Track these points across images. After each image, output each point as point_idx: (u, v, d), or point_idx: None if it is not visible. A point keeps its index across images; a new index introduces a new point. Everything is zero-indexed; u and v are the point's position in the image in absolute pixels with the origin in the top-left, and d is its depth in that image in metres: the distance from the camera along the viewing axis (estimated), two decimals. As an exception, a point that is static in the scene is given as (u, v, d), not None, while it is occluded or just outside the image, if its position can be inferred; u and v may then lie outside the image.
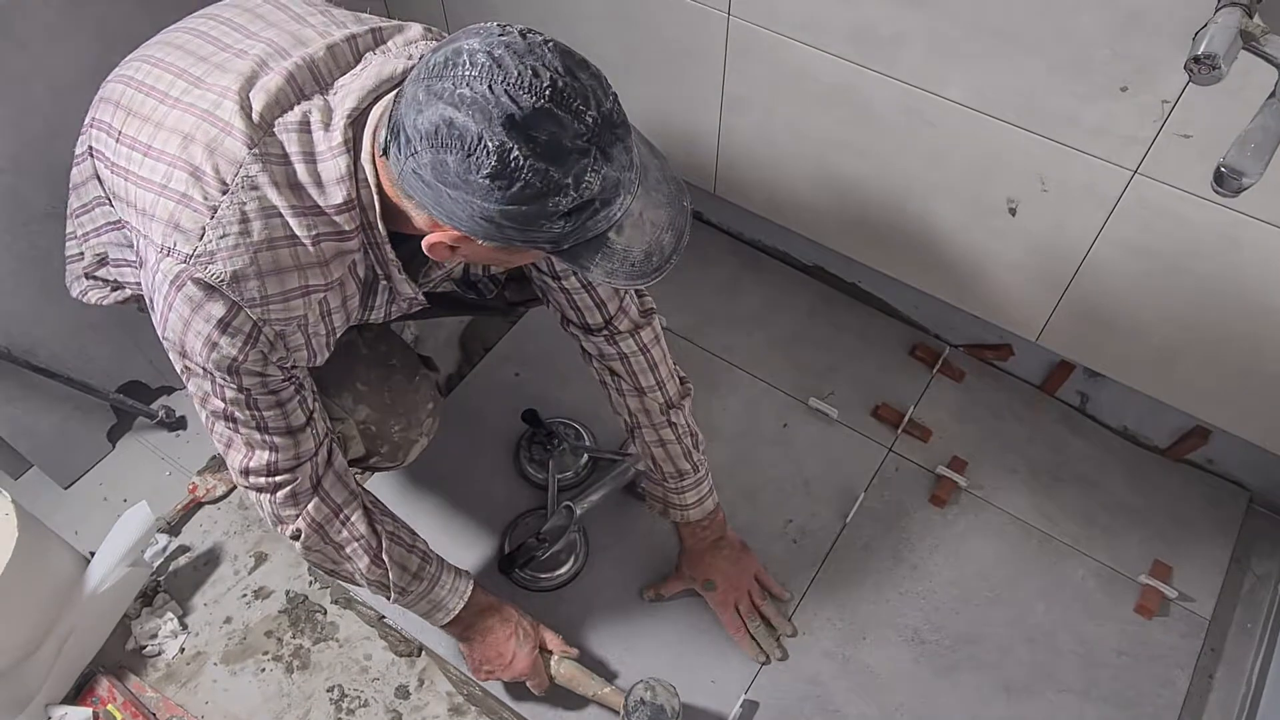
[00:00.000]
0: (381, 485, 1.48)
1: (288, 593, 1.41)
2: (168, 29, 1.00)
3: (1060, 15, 1.10)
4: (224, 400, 0.92)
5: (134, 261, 1.01)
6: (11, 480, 1.24)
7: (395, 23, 0.97)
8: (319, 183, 0.84)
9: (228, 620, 1.38)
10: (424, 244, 0.82)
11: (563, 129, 0.71)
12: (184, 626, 1.37)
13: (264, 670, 1.34)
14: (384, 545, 1.08)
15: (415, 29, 0.95)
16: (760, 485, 1.50)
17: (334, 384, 1.12)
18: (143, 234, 0.86)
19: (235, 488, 1.51)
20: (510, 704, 1.29)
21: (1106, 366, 1.46)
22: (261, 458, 0.97)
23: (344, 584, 1.16)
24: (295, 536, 1.03)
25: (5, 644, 1.18)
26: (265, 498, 1.00)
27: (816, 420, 1.58)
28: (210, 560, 1.44)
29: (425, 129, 0.72)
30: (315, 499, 1.01)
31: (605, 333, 1.17)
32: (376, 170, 0.84)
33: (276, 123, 0.84)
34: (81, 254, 1.10)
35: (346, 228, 0.86)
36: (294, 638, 1.36)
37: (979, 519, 1.47)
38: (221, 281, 0.82)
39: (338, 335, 0.98)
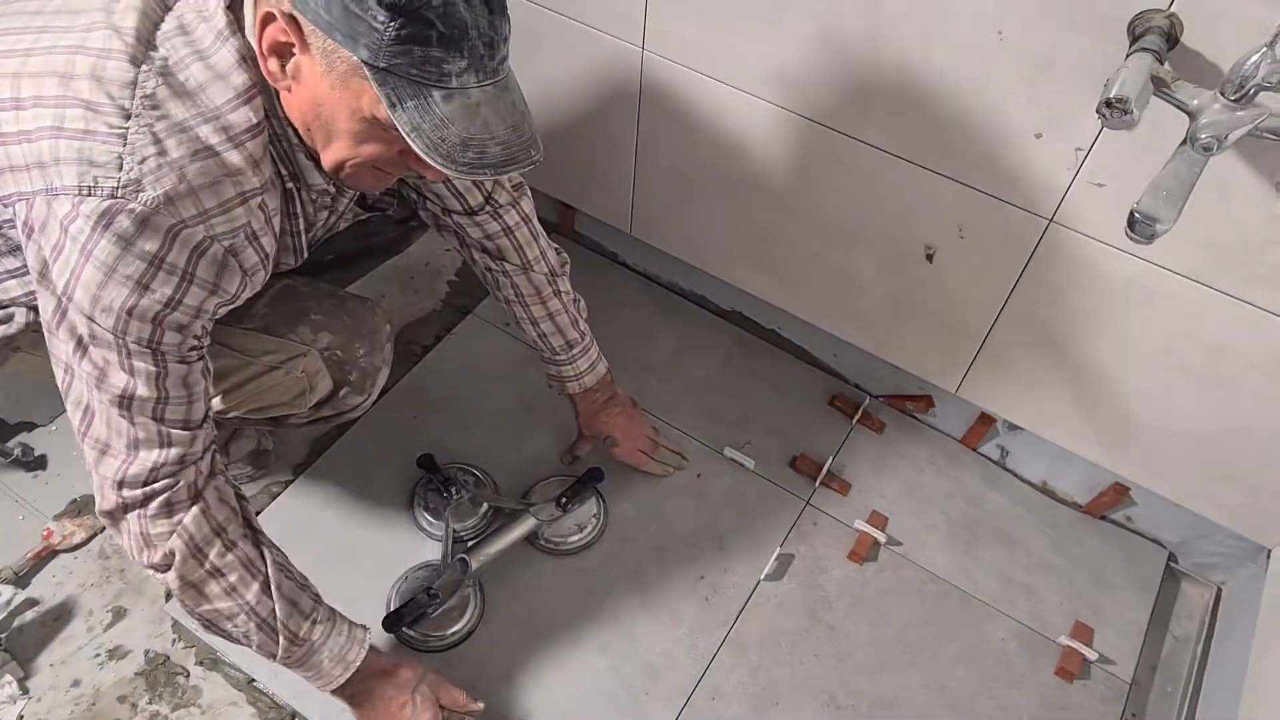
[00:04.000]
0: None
1: (147, 652, 1.27)
2: None
3: (977, 61, 1.08)
4: (129, 373, 0.84)
5: (13, 264, 0.92)
6: None
7: None
8: (218, 75, 0.80)
9: (75, 683, 1.24)
10: (256, 27, 0.78)
11: None
12: (24, 690, 1.22)
13: (112, 741, 1.20)
14: (272, 574, 0.97)
15: None
16: (671, 539, 1.42)
17: (286, 320, 1.09)
18: (44, 189, 0.78)
19: (95, 535, 1.37)
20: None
21: (1025, 419, 1.42)
22: (145, 460, 0.87)
23: (218, 638, 1.03)
24: (166, 564, 0.91)
25: None
26: (133, 516, 0.89)
27: (732, 470, 1.51)
28: (61, 615, 1.30)
29: None
30: (194, 510, 0.91)
31: (488, 209, 1.18)
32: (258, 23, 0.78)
33: (155, 36, 0.79)
34: None
35: (254, 119, 0.82)
36: (150, 703, 1.23)
37: (898, 577, 1.41)
38: (156, 207, 0.77)
39: (274, 253, 0.91)
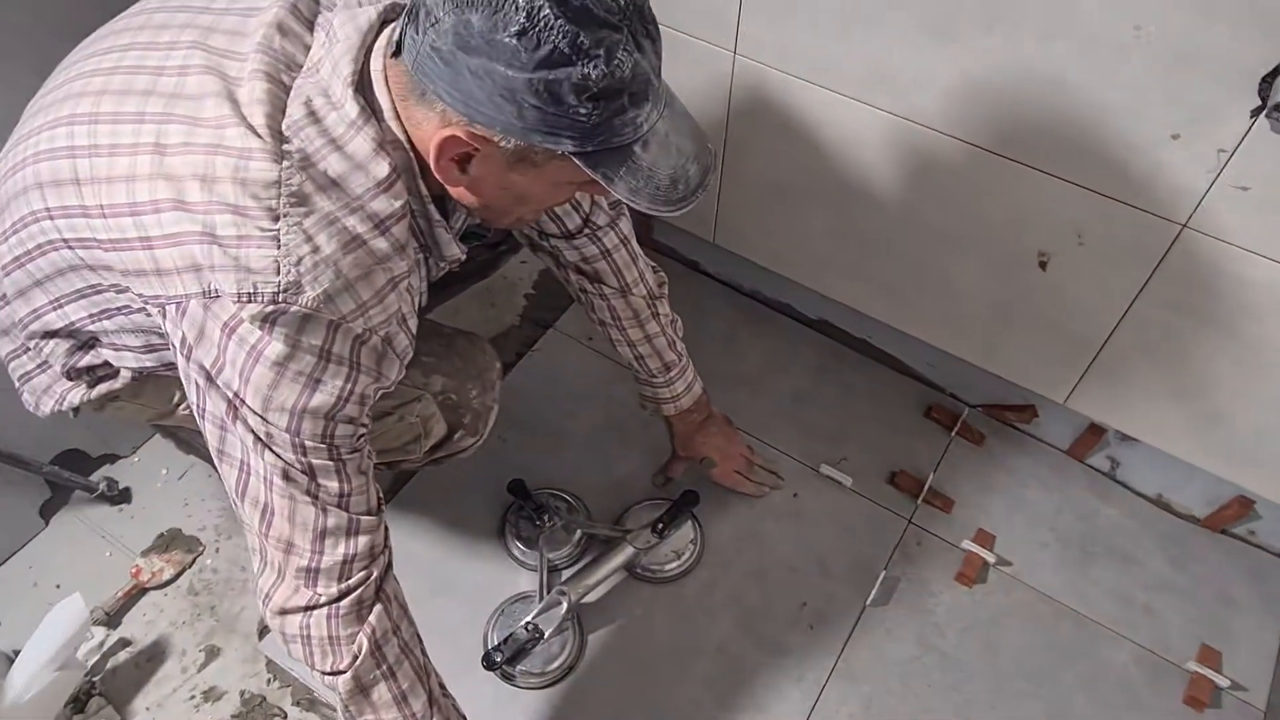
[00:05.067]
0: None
1: (242, 693, 1.24)
2: (56, 84, 0.88)
3: (1109, 57, 1.01)
4: (308, 471, 0.82)
5: (134, 342, 0.92)
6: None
7: None
8: (356, 165, 0.77)
9: (173, 727, 1.22)
10: (433, 145, 0.75)
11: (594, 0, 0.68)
12: (121, 736, 1.20)
13: (214, 787, 1.17)
14: (435, 688, 0.94)
15: None
16: (771, 564, 1.37)
17: None
18: (200, 293, 0.76)
19: (183, 571, 1.35)
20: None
21: (1141, 431, 1.35)
22: (335, 553, 0.84)
23: None
24: (350, 665, 0.86)
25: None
26: (322, 615, 0.85)
27: (829, 489, 1.45)
28: (154, 656, 1.27)
29: None
30: (378, 608, 0.87)
31: (586, 232, 1.15)
32: (396, 110, 0.78)
33: (284, 128, 0.76)
34: (45, 362, 0.99)
35: (397, 203, 0.80)
36: (249, 747, 1.20)
37: (1010, 599, 1.35)
38: (318, 306, 0.75)
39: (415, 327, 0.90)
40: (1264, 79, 0.93)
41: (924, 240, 1.33)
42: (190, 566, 1.35)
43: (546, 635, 1.23)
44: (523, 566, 1.35)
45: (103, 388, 1.01)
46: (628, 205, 0.79)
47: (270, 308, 0.74)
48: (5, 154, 0.92)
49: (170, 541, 1.37)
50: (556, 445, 1.47)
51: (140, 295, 0.81)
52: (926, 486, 1.44)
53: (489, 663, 1.22)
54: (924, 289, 1.39)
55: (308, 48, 0.81)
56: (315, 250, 0.75)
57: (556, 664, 1.25)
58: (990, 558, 1.37)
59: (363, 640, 0.86)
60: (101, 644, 1.26)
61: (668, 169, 0.77)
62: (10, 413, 1.25)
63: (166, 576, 1.33)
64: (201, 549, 1.37)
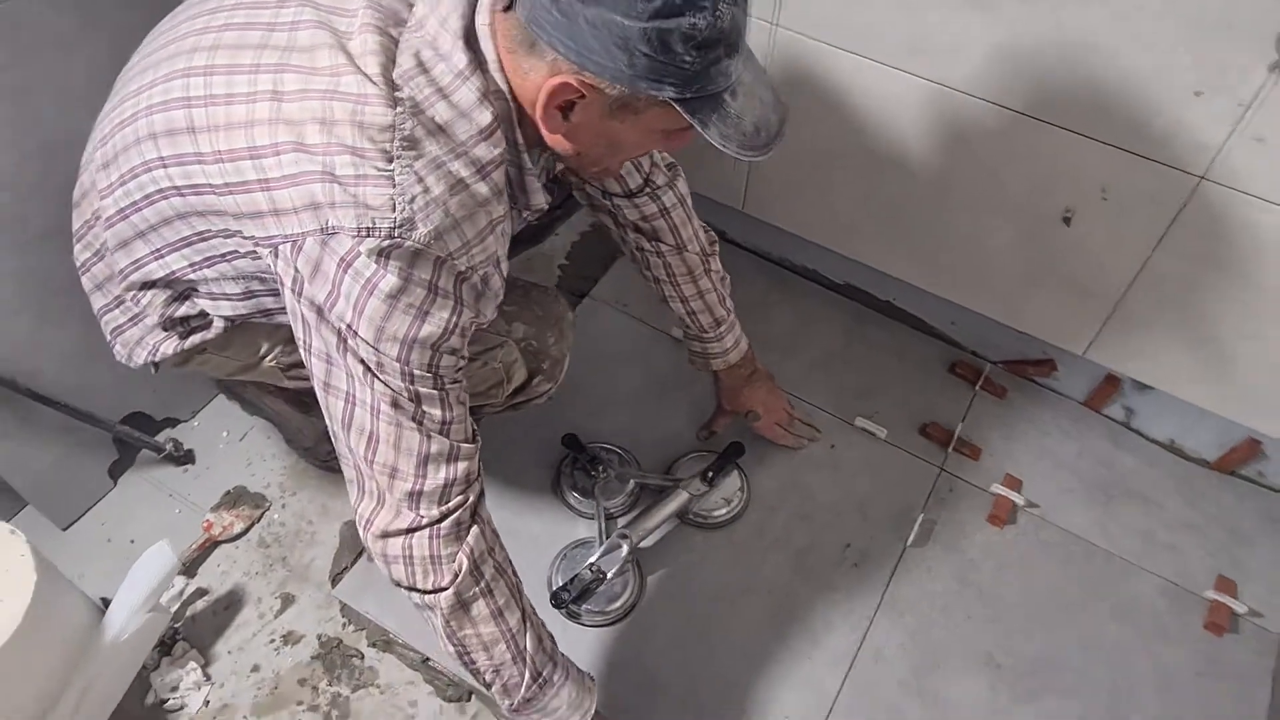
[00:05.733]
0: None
1: (319, 636, 1.29)
2: (160, 44, 0.93)
3: (1141, 21, 1.09)
4: (415, 398, 0.87)
5: (234, 290, 0.97)
6: (4, 522, 1.11)
7: None
8: (461, 113, 0.83)
9: (255, 669, 1.26)
10: (544, 91, 0.81)
11: None
12: (207, 677, 1.25)
13: (299, 723, 1.22)
14: (527, 604, 1.00)
15: None
16: (814, 509, 1.44)
17: None
18: (318, 229, 0.81)
19: (252, 525, 1.40)
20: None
21: (1157, 379, 1.44)
22: (437, 477, 0.89)
23: (465, 671, 1.00)
24: (451, 581, 0.92)
25: (22, 699, 1.05)
26: (424, 536, 0.90)
27: (864, 440, 1.53)
28: (231, 604, 1.32)
29: None
30: (475, 529, 0.93)
31: (647, 191, 1.21)
32: (500, 62, 0.83)
33: (395, 77, 0.81)
34: (140, 314, 1.05)
35: (496, 150, 0.85)
36: (330, 685, 1.25)
37: (1039, 538, 1.43)
38: (429, 242, 0.81)
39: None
40: (1283, 34, 1.02)
41: (953, 201, 1.41)
42: (258, 521, 1.40)
43: (610, 575, 1.29)
44: (579, 515, 1.41)
45: (195, 338, 1.06)
46: (719, 150, 0.85)
47: (386, 242, 0.80)
48: (110, 112, 0.97)
49: (237, 498, 1.42)
50: (601, 405, 1.54)
51: (252, 237, 0.86)
52: (955, 436, 1.52)
53: (557, 601, 1.28)
54: (951, 249, 1.47)
55: (410, 5, 0.86)
56: (426, 190, 0.81)
57: (619, 603, 1.31)
58: (1019, 500, 1.45)
59: (462, 559, 0.92)
60: (181, 593, 1.30)
61: (752, 117, 0.83)
62: (81, 378, 1.31)
63: (237, 530, 1.38)
64: (268, 505, 1.42)
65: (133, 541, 1.37)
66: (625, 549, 1.31)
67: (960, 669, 1.29)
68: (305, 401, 1.34)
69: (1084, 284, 1.39)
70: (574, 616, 1.30)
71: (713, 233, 1.33)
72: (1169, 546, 1.43)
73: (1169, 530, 1.45)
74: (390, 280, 0.81)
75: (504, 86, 0.84)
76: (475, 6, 0.85)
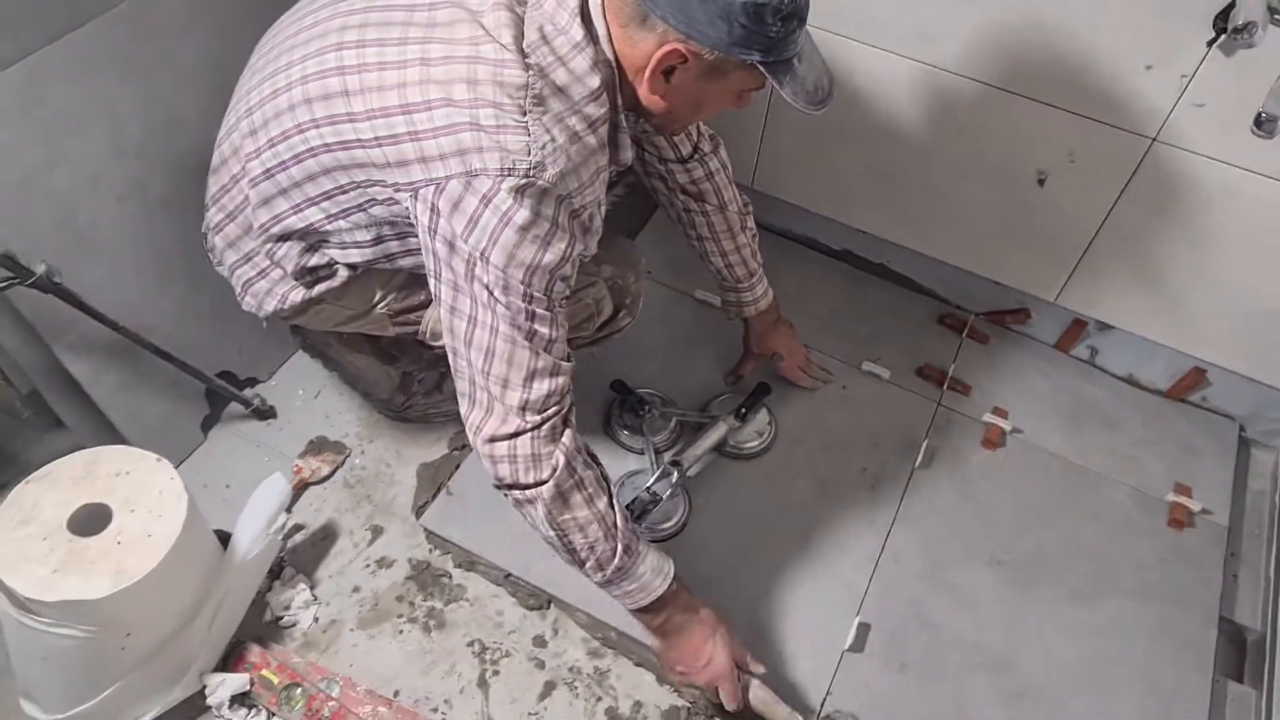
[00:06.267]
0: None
1: (410, 560, 1.45)
2: (304, 26, 1.09)
3: (1102, 5, 1.32)
4: (531, 317, 1.02)
5: (364, 237, 1.12)
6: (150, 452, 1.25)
7: None
8: (576, 78, 0.98)
9: (356, 589, 1.41)
10: (655, 57, 0.97)
11: None
12: (315, 597, 1.39)
13: (401, 632, 1.37)
14: (612, 490, 1.15)
15: None
16: (832, 441, 1.65)
17: None
18: (463, 172, 0.96)
19: (337, 469, 1.54)
20: (646, 640, 1.35)
21: (1118, 318, 1.68)
22: (541, 388, 1.05)
23: (561, 554, 1.15)
24: (549, 477, 1.07)
25: (173, 609, 1.18)
26: (527, 438, 1.05)
27: (871, 382, 1.74)
28: (327, 536, 1.47)
29: None
30: (568, 432, 1.09)
31: (696, 157, 1.40)
32: (610, 34, 0.99)
33: (524, 46, 0.97)
34: (272, 266, 1.20)
35: (602, 110, 1.01)
36: (425, 600, 1.41)
37: (1025, 458, 1.66)
38: (555, 181, 0.98)
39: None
40: (1217, 15, 1.26)
41: (941, 169, 1.63)
42: (342, 466, 1.55)
43: (665, 497, 1.47)
44: (629, 451, 1.59)
45: (320, 287, 1.22)
46: (790, 104, 1.02)
47: (523, 180, 0.96)
48: (255, 88, 1.12)
49: (320, 446, 1.56)
50: (637, 358, 1.72)
51: (394, 184, 1.02)
52: (949, 376, 1.74)
53: (622, 519, 1.45)
54: (940, 212, 1.69)
55: None
56: (553, 139, 0.98)
57: (673, 522, 1.50)
58: (1007, 426, 1.68)
59: (559, 456, 1.08)
60: (283, 526, 1.44)
61: (813, 78, 1.02)
62: (185, 337, 1.44)
63: (324, 473, 1.53)
64: (349, 451, 1.57)
65: (228, 486, 1.51)
66: (676, 475, 1.49)
67: (967, 565, 1.51)
68: (391, 354, 1.50)
69: (1055, 238, 1.62)
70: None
71: (746, 196, 1.52)
72: (1132, 460, 1.66)
73: (1132, 447, 1.68)
74: (523, 214, 0.97)
75: (610, 56, 1.00)
76: None
